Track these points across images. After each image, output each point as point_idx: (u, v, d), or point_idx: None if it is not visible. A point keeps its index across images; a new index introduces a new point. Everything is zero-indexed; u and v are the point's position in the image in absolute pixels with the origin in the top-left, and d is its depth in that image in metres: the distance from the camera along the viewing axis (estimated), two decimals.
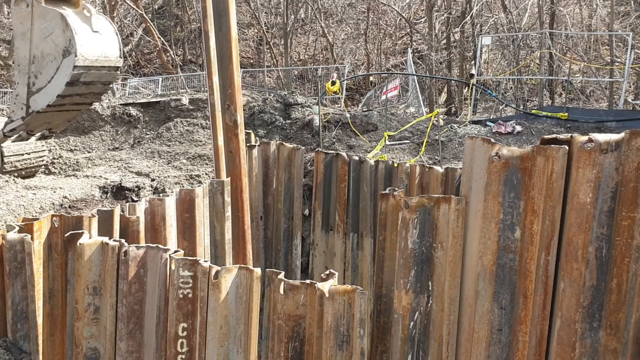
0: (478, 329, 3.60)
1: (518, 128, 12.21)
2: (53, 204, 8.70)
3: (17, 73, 7.91)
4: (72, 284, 4.15)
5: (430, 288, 3.71)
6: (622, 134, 3.10)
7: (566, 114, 12.69)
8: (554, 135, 3.38)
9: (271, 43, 29.49)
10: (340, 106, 16.88)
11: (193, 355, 3.83)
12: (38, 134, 9.48)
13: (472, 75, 15.95)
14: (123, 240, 4.02)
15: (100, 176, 10.68)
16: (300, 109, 13.59)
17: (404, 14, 27.38)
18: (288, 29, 27.43)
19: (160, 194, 9.08)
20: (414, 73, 19.41)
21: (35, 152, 10.27)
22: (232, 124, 6.74)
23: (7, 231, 4.43)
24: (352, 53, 29.42)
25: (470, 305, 3.63)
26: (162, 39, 29.44)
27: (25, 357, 4.39)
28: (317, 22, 28.49)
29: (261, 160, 8.80)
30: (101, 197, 9.59)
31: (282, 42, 28.85)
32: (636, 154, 3.06)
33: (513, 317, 3.49)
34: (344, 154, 8.68)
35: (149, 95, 19.73)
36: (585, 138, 3.19)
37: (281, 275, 3.78)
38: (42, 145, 10.54)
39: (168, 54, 29.80)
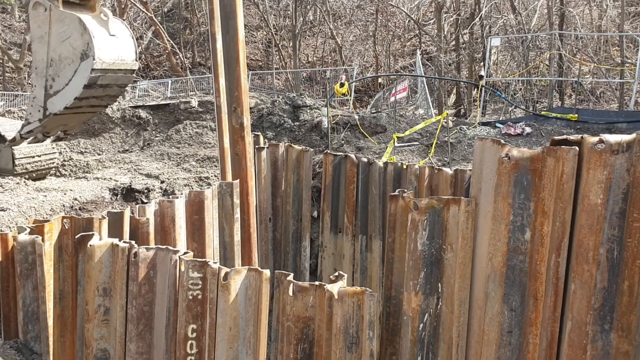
0: (488, 331, 3.58)
1: (527, 130, 12.14)
2: (63, 205, 8.75)
3: (34, 76, 8.00)
4: (83, 286, 4.17)
5: (439, 290, 3.70)
6: (634, 135, 3.08)
7: (576, 115, 12.59)
8: (564, 137, 3.36)
9: (280, 45, 29.58)
10: (348, 108, 16.87)
11: (202, 357, 3.83)
12: (53, 136, 9.57)
13: (481, 77, 15.89)
14: (133, 242, 4.03)
15: (110, 178, 10.73)
16: (308, 111, 13.60)
17: (412, 16, 27.35)
18: (297, 31, 27.50)
19: (170, 196, 9.13)
20: (423, 75, 19.35)
21: (45, 154, 10.34)
22: (238, 126, 6.73)
23: (18, 233, 4.46)
24: (360, 55, 29.43)
25: (480, 307, 3.61)
26: (171, 41, 29.60)
27: (36, 358, 4.42)
28: (326, 24, 28.55)
29: (270, 162, 8.80)
30: (111, 199, 9.64)
31: (291, 44, 28.92)
32: None
33: (523, 319, 3.47)
34: (352, 155, 8.66)
35: (159, 97, 19.87)
36: (596, 139, 3.17)
37: (290, 277, 3.77)
38: (53, 148, 10.61)
39: (177, 56, 29.95)
